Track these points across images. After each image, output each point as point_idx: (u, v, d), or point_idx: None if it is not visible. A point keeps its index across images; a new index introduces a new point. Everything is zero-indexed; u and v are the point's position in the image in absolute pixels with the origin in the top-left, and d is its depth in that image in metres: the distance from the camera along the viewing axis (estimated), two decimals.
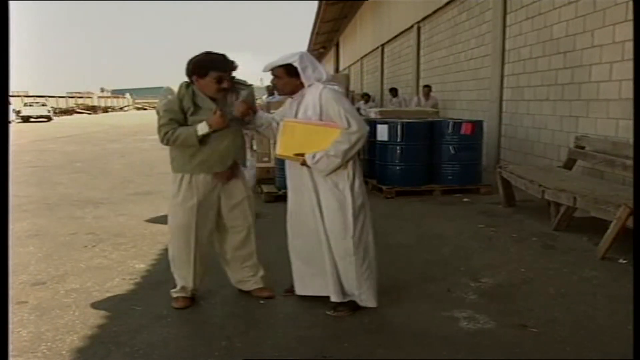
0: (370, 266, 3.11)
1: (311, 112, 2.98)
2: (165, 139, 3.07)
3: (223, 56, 3.05)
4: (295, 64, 2.97)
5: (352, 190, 3.04)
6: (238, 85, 3.18)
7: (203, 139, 3.04)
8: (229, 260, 3.39)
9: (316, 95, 2.97)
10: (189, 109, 3.04)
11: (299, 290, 3.26)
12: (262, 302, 3.29)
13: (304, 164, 2.98)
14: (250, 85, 3.25)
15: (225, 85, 3.04)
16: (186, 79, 3.09)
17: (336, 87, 3.05)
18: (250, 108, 3.17)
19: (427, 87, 11.51)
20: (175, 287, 3.30)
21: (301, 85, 3.03)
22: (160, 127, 3.06)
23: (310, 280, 3.20)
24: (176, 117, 3.04)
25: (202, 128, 3.00)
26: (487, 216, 5.67)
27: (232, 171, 3.21)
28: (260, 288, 3.39)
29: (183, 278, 3.25)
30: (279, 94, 3.23)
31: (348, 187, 3.03)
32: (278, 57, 3.07)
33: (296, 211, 3.18)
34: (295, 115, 3.07)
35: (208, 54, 3.05)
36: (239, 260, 3.37)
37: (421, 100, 11.41)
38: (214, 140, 3.07)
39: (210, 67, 2.99)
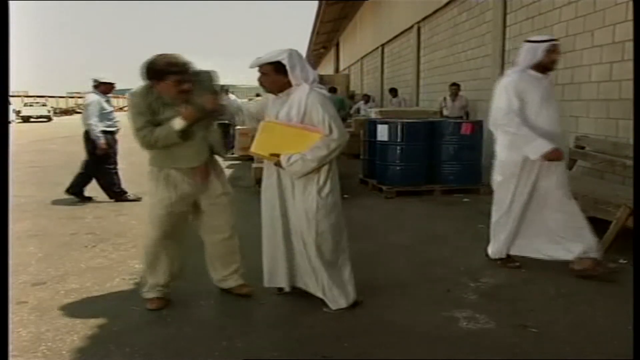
0: (336, 268, 3.12)
1: (295, 112, 2.95)
2: (145, 143, 3.00)
3: (178, 57, 2.97)
4: (284, 62, 2.92)
5: (320, 194, 3.02)
6: (197, 76, 3.08)
7: (182, 135, 2.99)
8: (213, 259, 3.37)
9: (303, 96, 2.94)
10: (158, 109, 2.99)
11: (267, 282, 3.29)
12: (262, 302, 3.29)
13: (277, 164, 2.98)
14: (208, 71, 3.11)
15: (185, 87, 2.97)
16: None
17: (324, 91, 3.04)
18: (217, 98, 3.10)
19: (455, 86, 9.64)
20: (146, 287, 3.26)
21: (288, 84, 2.99)
22: (137, 131, 2.98)
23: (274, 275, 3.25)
24: (150, 118, 2.99)
25: (178, 123, 2.95)
26: (487, 216, 5.63)
27: (208, 168, 3.17)
28: (240, 285, 3.38)
29: (153, 275, 3.22)
30: (266, 92, 3.20)
31: (315, 191, 3.01)
32: (265, 54, 3.02)
33: (265, 209, 3.20)
34: (277, 114, 3.04)
35: (162, 56, 2.95)
36: (222, 259, 3.35)
37: (447, 101, 9.72)
38: (189, 134, 3.02)
39: (167, 71, 2.91)
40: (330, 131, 2.90)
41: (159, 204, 3.12)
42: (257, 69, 3.05)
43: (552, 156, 3.57)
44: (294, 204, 3.06)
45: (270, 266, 3.24)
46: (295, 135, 2.94)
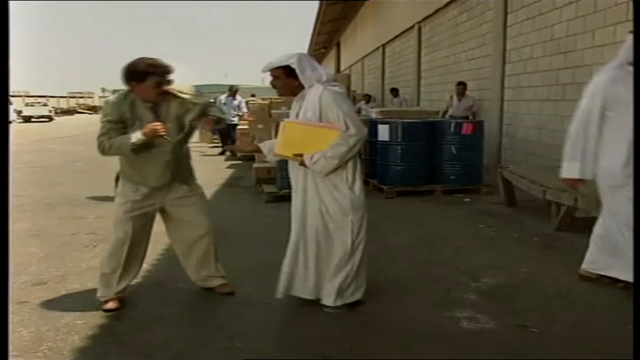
0: (362, 264, 3.17)
1: (311, 113, 2.98)
2: (100, 148, 3.03)
3: (158, 60, 3.02)
4: (293, 66, 2.97)
5: (352, 191, 3.06)
6: (183, 96, 3.15)
7: (142, 150, 3.00)
8: (191, 260, 3.37)
9: (316, 96, 2.97)
10: (128, 120, 3.02)
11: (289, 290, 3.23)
12: (263, 303, 3.29)
13: (302, 164, 3.00)
14: (202, 99, 3.20)
15: (164, 88, 3.03)
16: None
17: (337, 89, 3.05)
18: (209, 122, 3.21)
19: (462, 85, 9.35)
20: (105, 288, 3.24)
21: (301, 87, 3.04)
22: (99, 136, 3.03)
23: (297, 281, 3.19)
24: (115, 126, 3.01)
25: (136, 137, 2.96)
26: (488, 216, 5.67)
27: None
28: (222, 284, 3.41)
29: (107, 280, 3.21)
30: (279, 95, 3.25)
31: (347, 188, 3.05)
32: (276, 57, 3.07)
33: (295, 210, 3.18)
34: (296, 116, 3.09)
35: (143, 59, 3.00)
36: (200, 258, 3.35)
37: (454, 100, 9.48)
38: (154, 153, 3.05)
39: (148, 73, 2.95)
40: (347, 127, 2.92)
41: (122, 206, 3.19)
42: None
43: (568, 183, 3.50)
44: (327, 206, 3.05)
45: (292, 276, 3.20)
46: (316, 133, 2.97)
